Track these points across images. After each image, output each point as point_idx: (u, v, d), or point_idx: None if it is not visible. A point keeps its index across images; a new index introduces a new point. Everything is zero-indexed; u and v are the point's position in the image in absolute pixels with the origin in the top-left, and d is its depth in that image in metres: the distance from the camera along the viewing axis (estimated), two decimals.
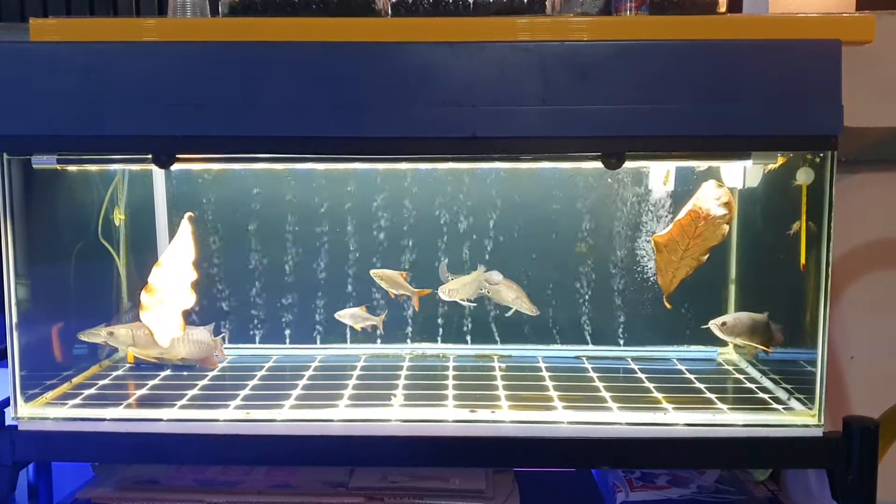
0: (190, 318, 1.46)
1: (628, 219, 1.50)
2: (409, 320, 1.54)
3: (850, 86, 1.09)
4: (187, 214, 1.40)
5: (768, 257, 1.37)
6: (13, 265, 1.18)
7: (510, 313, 1.45)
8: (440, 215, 1.50)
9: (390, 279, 1.46)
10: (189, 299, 1.39)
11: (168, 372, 1.42)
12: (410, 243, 1.51)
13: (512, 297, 1.43)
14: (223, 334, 1.51)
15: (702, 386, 1.32)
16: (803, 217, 1.18)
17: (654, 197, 1.49)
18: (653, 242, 1.38)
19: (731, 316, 1.37)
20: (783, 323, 1.31)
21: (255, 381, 1.36)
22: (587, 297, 1.52)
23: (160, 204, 1.52)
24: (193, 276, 1.38)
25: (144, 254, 1.51)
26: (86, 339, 1.37)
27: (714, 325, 1.36)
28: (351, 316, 1.48)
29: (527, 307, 1.43)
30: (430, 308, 1.52)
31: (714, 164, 1.36)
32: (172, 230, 1.50)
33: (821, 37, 1.11)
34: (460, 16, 1.26)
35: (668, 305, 1.41)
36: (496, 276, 1.42)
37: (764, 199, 1.36)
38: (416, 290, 1.47)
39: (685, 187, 1.45)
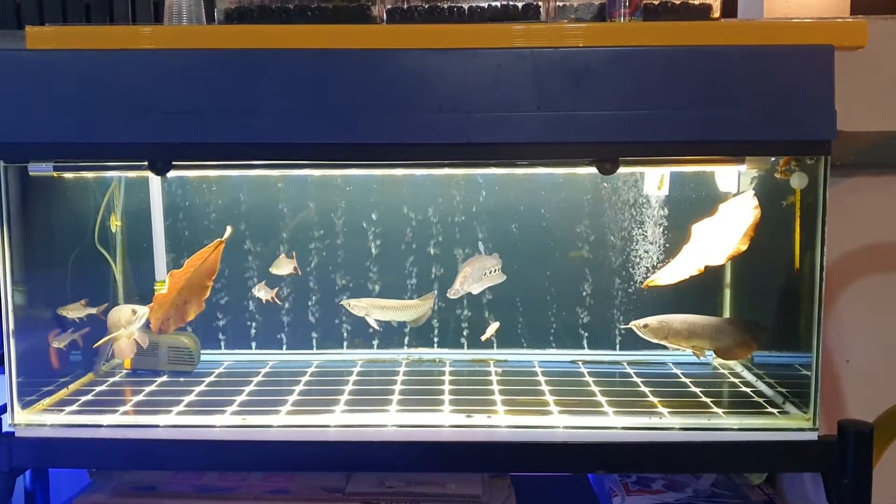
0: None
1: (625, 222, 1.50)
2: (406, 325, 1.54)
3: (843, 90, 1.10)
4: (227, 233, 1.41)
5: (763, 261, 1.38)
6: (10, 271, 1.18)
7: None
8: (435, 219, 1.51)
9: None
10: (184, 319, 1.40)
11: (165, 378, 1.42)
12: (404, 247, 1.51)
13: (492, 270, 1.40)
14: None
15: (697, 390, 1.33)
16: (797, 221, 1.19)
17: (650, 201, 1.49)
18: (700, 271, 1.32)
19: (658, 318, 1.35)
20: (779, 326, 1.31)
21: (251, 387, 1.36)
22: (583, 301, 1.52)
23: (157, 210, 1.52)
24: (201, 307, 1.40)
25: (141, 260, 1.51)
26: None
27: (635, 326, 1.35)
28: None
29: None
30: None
31: (708, 168, 1.37)
32: (170, 234, 1.51)
33: (814, 42, 1.11)
34: (455, 22, 1.26)
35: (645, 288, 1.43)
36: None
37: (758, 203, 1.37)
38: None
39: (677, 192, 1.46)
